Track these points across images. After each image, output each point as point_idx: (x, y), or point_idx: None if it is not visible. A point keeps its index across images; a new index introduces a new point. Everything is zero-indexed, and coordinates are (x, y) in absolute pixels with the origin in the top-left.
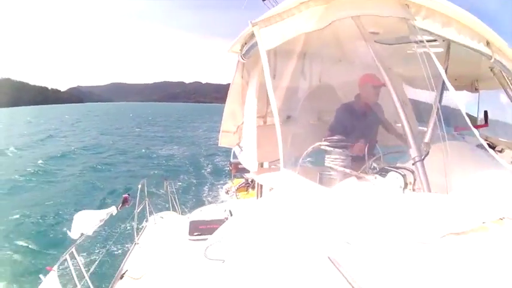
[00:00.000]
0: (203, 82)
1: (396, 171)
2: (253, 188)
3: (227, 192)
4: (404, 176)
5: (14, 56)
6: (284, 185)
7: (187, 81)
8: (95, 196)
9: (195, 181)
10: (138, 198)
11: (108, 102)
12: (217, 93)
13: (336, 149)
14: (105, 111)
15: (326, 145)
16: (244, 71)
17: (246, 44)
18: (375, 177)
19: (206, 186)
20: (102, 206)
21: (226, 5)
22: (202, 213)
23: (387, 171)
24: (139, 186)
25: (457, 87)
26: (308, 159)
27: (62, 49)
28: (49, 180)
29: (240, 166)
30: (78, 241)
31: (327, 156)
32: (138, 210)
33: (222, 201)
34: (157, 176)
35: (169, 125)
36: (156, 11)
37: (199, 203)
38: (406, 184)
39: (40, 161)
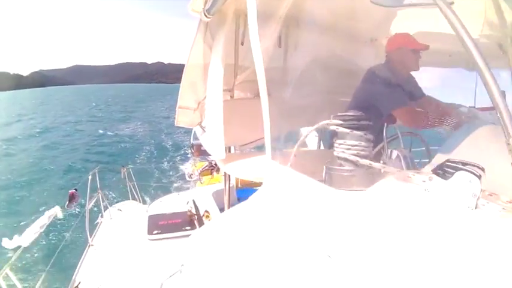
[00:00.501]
0: (165, 62)
1: (469, 171)
2: (217, 171)
3: (190, 177)
4: (480, 178)
5: None
6: (272, 185)
7: (149, 62)
8: (45, 185)
9: (155, 165)
10: (88, 191)
11: (71, 85)
12: (179, 74)
13: (355, 131)
14: (66, 95)
15: (338, 124)
16: (208, 34)
17: None
18: (430, 179)
19: (168, 168)
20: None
21: None
22: (162, 205)
23: (454, 168)
24: (89, 176)
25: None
26: (306, 147)
27: (22, 32)
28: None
29: (202, 148)
30: (13, 258)
31: (338, 141)
32: (89, 206)
33: (186, 187)
34: (114, 161)
35: (129, 105)
36: None
37: (162, 189)
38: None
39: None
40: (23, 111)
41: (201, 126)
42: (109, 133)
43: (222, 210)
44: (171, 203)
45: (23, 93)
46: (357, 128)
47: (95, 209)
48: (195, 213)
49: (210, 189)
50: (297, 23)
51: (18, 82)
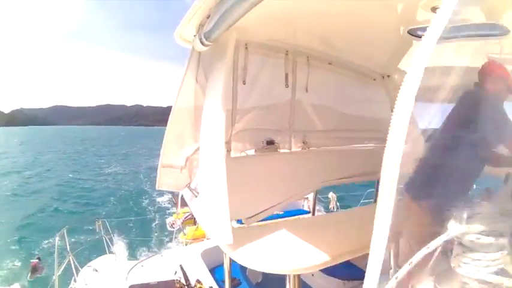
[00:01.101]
0: (144, 105)
1: None
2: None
3: (171, 226)
4: None
5: None
6: None
7: (128, 104)
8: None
9: (133, 215)
10: (56, 255)
11: (52, 126)
12: (158, 116)
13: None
14: (48, 135)
15: (478, 232)
16: (200, 70)
17: (209, 18)
18: None
19: (147, 215)
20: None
21: (166, 25)
22: (144, 270)
23: None
24: (57, 238)
25: None
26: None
27: (4, 69)
28: None
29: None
30: None
31: (469, 255)
32: (58, 273)
33: (166, 240)
34: (88, 210)
35: (109, 147)
36: (97, 32)
37: (142, 242)
38: None
39: None
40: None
41: (191, 189)
42: (83, 178)
43: (215, 276)
44: (154, 268)
45: (3, 131)
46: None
47: (67, 272)
48: (185, 283)
49: (197, 249)
50: (306, 59)
51: (1, 119)
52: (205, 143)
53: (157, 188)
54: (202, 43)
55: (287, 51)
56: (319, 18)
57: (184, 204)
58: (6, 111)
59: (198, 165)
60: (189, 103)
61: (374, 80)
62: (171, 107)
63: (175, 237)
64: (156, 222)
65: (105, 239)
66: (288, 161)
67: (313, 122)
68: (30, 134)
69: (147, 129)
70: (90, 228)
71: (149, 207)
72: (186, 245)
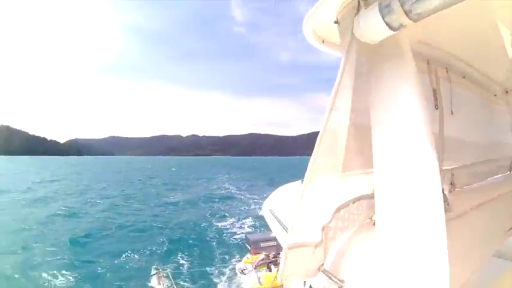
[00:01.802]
0: (200, 135)
1: None
2: (275, 264)
3: (242, 272)
4: None
5: (14, 104)
6: None
7: (184, 135)
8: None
9: (197, 259)
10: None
11: (108, 156)
12: (214, 146)
13: None
14: (108, 165)
15: None
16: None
17: None
18: None
19: (215, 262)
20: None
21: (216, 56)
22: None
23: None
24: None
25: None
26: None
27: (61, 100)
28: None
29: (262, 245)
30: None
31: None
32: None
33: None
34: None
35: (171, 178)
36: (149, 65)
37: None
38: None
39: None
40: (55, 177)
41: (327, 273)
42: (147, 212)
43: None
44: None
45: (58, 160)
46: None
47: None
48: None
49: None
50: (446, 71)
51: (55, 148)
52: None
53: (279, 283)
54: (407, 19)
55: (428, 61)
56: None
57: (256, 249)
58: (62, 141)
59: (334, 237)
60: (340, 134)
61: (495, 95)
62: (227, 136)
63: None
64: (224, 265)
65: None
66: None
67: (460, 154)
68: (86, 164)
69: (204, 159)
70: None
71: (215, 251)
72: None
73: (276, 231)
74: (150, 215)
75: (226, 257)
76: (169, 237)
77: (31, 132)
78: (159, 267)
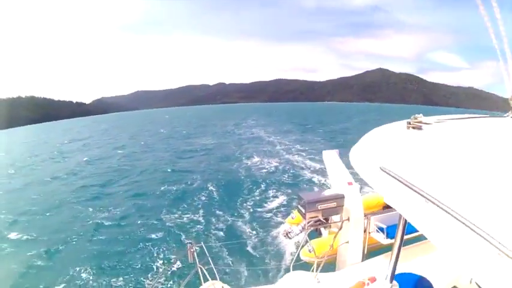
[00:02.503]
0: (227, 83)
1: None
2: (327, 226)
3: (287, 235)
4: None
5: (36, 73)
6: None
7: (211, 83)
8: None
9: (230, 219)
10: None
11: (134, 110)
12: (241, 93)
13: None
14: (132, 120)
15: None
16: None
17: None
18: None
19: (244, 195)
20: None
21: (242, 3)
22: None
23: None
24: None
25: None
26: None
27: (83, 62)
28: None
29: (319, 206)
30: None
31: None
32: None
33: (280, 252)
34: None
35: (199, 126)
36: (174, 17)
37: (250, 258)
38: None
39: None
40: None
41: None
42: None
43: None
44: None
45: (83, 120)
46: None
47: None
48: None
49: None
50: None
51: (82, 109)
52: None
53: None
54: None
55: None
56: None
57: (312, 212)
58: (88, 101)
59: None
60: None
61: None
62: (254, 83)
63: (294, 253)
64: (265, 231)
65: (200, 269)
66: None
67: None
68: (113, 120)
69: (231, 106)
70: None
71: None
72: (315, 268)
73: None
74: (182, 157)
75: (254, 187)
76: (202, 174)
77: (56, 98)
78: (191, 241)
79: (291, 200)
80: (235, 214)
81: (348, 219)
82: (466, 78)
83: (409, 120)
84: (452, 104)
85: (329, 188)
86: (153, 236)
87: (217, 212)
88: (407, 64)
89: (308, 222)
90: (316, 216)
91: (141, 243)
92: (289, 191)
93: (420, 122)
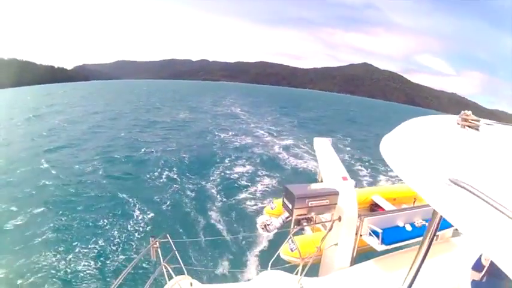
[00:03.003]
0: (210, 60)
1: None
2: (309, 221)
3: (265, 228)
4: None
5: (18, 35)
6: None
7: (194, 59)
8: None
9: (199, 205)
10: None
11: (115, 80)
12: (224, 71)
13: None
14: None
15: None
16: None
17: None
18: None
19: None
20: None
21: None
22: None
23: None
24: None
25: None
26: None
27: (66, 26)
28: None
29: (310, 203)
30: None
31: None
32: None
33: (255, 246)
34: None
35: (178, 100)
36: None
37: (221, 251)
38: None
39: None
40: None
41: None
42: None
43: None
44: None
45: (66, 86)
46: None
47: None
48: None
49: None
50: None
51: (63, 75)
52: None
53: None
54: None
55: None
56: None
57: (302, 209)
58: (69, 67)
59: None
60: None
61: None
62: (239, 62)
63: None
64: (239, 219)
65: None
66: None
67: None
68: (94, 88)
69: (213, 84)
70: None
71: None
72: (300, 270)
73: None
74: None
75: (226, 159)
76: (177, 141)
77: (38, 62)
78: (155, 236)
79: (268, 185)
80: (205, 199)
81: (339, 219)
82: (450, 84)
83: (459, 116)
84: (434, 107)
85: (318, 181)
86: (111, 227)
87: (184, 198)
88: (393, 63)
89: (293, 219)
90: (305, 214)
91: (96, 238)
92: (266, 173)
93: (477, 121)
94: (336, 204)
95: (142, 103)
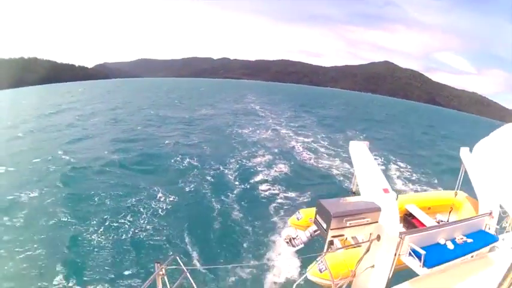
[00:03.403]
0: (231, 58)
1: None
2: (347, 242)
3: (290, 243)
4: None
5: (39, 34)
6: None
7: (215, 57)
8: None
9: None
10: None
11: (136, 78)
12: (245, 69)
13: None
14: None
15: None
16: None
17: None
18: None
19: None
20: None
21: None
22: None
23: None
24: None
25: None
26: None
27: (87, 25)
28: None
29: (348, 222)
30: None
31: None
32: None
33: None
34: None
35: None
36: None
37: (239, 271)
38: None
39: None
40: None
41: None
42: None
43: None
44: None
45: (84, 84)
46: None
47: None
48: None
49: None
50: None
51: (84, 73)
52: None
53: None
54: None
55: None
56: None
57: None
58: (90, 65)
59: None
60: None
61: None
62: (259, 60)
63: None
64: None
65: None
66: None
67: None
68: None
69: (233, 82)
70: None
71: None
72: None
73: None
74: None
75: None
76: (198, 136)
77: (59, 61)
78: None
79: (297, 197)
80: (222, 210)
81: (378, 238)
82: (470, 83)
83: None
84: (455, 107)
85: (351, 190)
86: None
87: (197, 209)
88: (414, 61)
89: (327, 241)
90: (342, 235)
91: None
92: (295, 182)
93: None
94: (377, 222)
95: (162, 100)
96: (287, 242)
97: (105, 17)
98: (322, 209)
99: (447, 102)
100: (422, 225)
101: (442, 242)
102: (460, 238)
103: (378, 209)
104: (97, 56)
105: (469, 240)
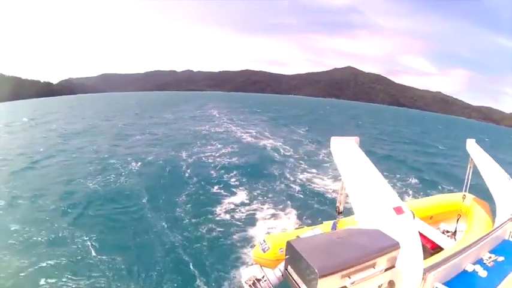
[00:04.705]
0: (195, 70)
1: None
2: None
3: (253, 286)
4: None
5: (4, 51)
6: None
7: (179, 70)
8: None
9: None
10: None
11: (101, 93)
12: (208, 81)
13: None
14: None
15: None
16: None
17: None
18: None
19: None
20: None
21: None
22: None
23: None
24: None
25: None
26: None
27: (51, 41)
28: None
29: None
30: None
31: None
32: None
33: None
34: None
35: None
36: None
37: None
38: None
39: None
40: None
41: None
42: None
43: None
44: None
45: (50, 100)
46: None
47: None
48: None
49: None
50: None
51: (48, 90)
52: None
53: None
54: None
55: None
56: None
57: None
58: (55, 81)
59: None
60: None
61: None
62: (222, 72)
63: None
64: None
65: None
66: None
67: None
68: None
69: (196, 94)
70: None
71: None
72: None
73: None
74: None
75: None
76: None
77: (23, 77)
78: None
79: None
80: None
81: (391, 285)
82: (434, 83)
83: None
84: (419, 107)
85: (337, 210)
86: None
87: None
88: (377, 65)
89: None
90: None
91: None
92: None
93: None
94: (394, 266)
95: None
96: (249, 286)
97: (67, 32)
98: (296, 256)
99: (411, 103)
100: (429, 242)
101: (469, 268)
102: (488, 258)
103: (396, 246)
104: (61, 72)
105: (500, 259)
